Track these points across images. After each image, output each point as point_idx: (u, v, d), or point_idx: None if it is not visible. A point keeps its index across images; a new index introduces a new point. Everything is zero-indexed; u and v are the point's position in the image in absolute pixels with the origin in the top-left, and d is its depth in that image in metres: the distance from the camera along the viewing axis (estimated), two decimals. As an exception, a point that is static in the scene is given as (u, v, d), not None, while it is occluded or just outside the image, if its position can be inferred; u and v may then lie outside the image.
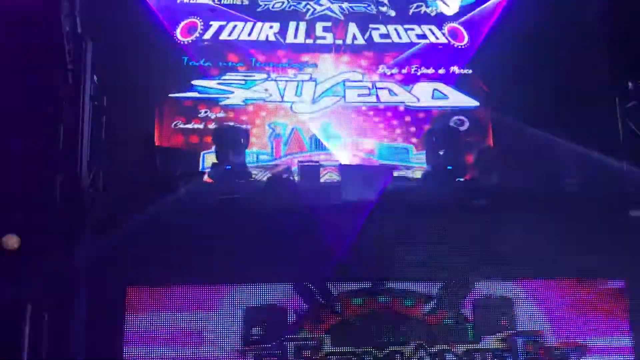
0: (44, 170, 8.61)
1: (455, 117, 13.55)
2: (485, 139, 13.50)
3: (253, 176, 10.94)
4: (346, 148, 13.35)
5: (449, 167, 10.40)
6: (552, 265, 8.69)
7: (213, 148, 11.26)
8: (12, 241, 8.18)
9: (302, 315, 8.47)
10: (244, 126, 12.49)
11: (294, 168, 11.24)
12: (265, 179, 11.15)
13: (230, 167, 10.29)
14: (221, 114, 13.25)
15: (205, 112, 13.18)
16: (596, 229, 8.76)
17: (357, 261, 8.52)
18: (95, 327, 8.19)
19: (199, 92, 13.24)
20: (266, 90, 13.40)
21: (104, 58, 9.99)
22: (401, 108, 13.68)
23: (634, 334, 8.68)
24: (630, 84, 10.22)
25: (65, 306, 8.19)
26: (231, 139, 10.76)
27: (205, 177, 10.37)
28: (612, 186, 9.40)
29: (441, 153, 10.73)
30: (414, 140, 13.48)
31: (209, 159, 12.57)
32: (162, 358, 8.30)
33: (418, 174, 11.88)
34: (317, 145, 13.34)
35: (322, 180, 12.55)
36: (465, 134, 13.32)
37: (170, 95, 13.10)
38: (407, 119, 13.65)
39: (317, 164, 11.23)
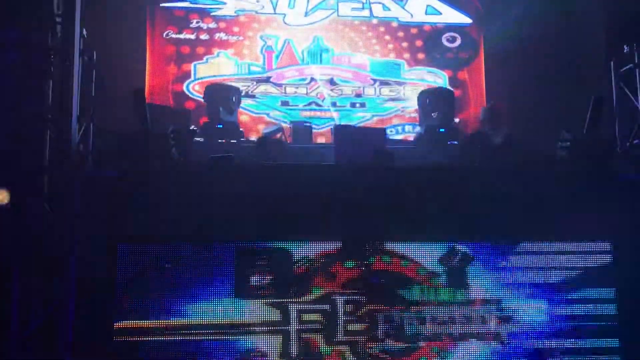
0: (33, 125, 8.24)
1: (448, 34, 13.39)
2: (477, 56, 13.37)
3: (245, 136, 10.63)
4: (338, 62, 13.18)
5: (441, 130, 10.14)
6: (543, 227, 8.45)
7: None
8: (1, 196, 7.90)
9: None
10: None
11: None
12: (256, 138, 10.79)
13: (221, 125, 9.92)
14: (213, 25, 13.01)
15: (197, 22, 12.98)
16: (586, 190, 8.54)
17: (351, 221, 8.26)
18: (86, 284, 7.92)
19: (191, 2, 12.96)
20: (258, 1, 13.09)
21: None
22: (394, 24, 13.46)
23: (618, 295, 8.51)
24: (626, 47, 9.87)
25: (55, 262, 7.88)
26: (222, 97, 10.34)
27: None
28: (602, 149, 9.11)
29: (434, 115, 10.44)
30: (406, 56, 13.36)
31: (200, 69, 12.69)
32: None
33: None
34: (309, 58, 13.16)
35: (313, 94, 12.66)
36: (458, 50, 13.31)
37: (161, 4, 12.80)
38: (400, 34, 13.48)
39: (309, 124, 10.97)
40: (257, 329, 8.05)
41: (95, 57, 9.23)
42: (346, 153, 8.77)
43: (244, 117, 12.57)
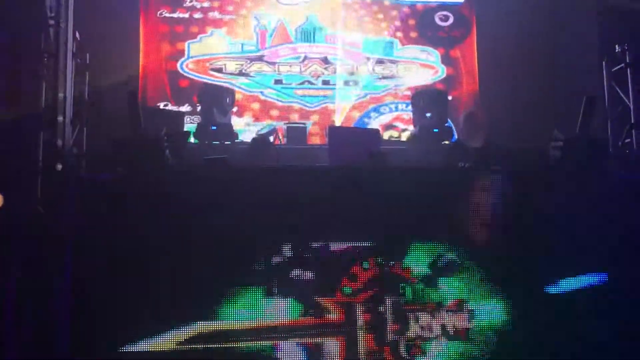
0: (27, 128, 8.09)
1: (440, 12, 13.35)
2: (469, 34, 13.30)
3: (239, 137, 10.48)
4: (331, 41, 13.12)
5: (435, 130, 10.03)
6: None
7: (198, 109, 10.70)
8: (-5, 200, 7.75)
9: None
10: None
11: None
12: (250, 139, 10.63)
13: (215, 127, 9.77)
14: (206, 4, 12.93)
15: (191, 1, 12.90)
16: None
17: (347, 223, 8.03)
18: (81, 286, 7.74)
19: (184, -19, 12.63)
20: (252, -20, 12.79)
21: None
22: (387, 2, 13.40)
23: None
24: (617, 47, 9.79)
25: (50, 265, 7.72)
26: (216, 99, 10.17)
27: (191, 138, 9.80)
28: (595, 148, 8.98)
29: (428, 116, 10.32)
30: (399, 34, 13.28)
31: (194, 48, 12.68)
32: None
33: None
34: (303, 37, 13.08)
35: (306, 73, 12.67)
36: (450, 29, 13.28)
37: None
38: (393, 13, 13.40)
39: (304, 125, 10.83)
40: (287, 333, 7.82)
41: (88, 59, 9.05)
42: (340, 154, 8.62)
43: (238, 96, 12.45)
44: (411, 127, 11.71)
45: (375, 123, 12.91)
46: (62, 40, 8.35)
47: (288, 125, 11.10)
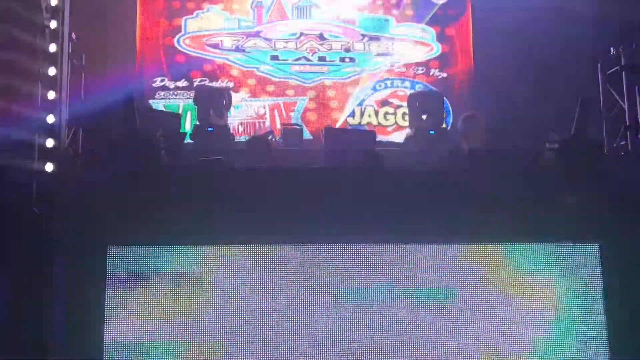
0: (22, 128, 7.97)
1: None
2: (465, 12, 13.16)
3: (235, 138, 10.37)
4: (327, 17, 12.92)
5: (431, 132, 9.93)
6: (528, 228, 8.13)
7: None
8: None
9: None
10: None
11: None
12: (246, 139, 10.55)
13: (212, 128, 9.67)
14: None
15: None
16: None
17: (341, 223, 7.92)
18: (76, 286, 7.71)
19: (181, -43, 12.43)
20: (249, -44, 12.59)
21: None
22: None
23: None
24: (612, 50, 9.68)
25: (45, 265, 7.68)
26: (213, 101, 10.04)
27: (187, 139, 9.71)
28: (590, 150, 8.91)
29: (424, 117, 10.22)
30: (394, 12, 13.05)
31: (191, 23, 12.53)
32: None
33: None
34: (299, 13, 12.86)
35: (302, 49, 12.55)
36: (445, 7, 13.08)
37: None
38: None
39: (299, 127, 10.72)
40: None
41: (84, 60, 8.92)
42: (336, 155, 8.54)
43: (234, 72, 12.43)
44: (405, 104, 11.57)
45: (370, 99, 12.74)
46: (58, 41, 8.20)
47: (284, 126, 10.98)
